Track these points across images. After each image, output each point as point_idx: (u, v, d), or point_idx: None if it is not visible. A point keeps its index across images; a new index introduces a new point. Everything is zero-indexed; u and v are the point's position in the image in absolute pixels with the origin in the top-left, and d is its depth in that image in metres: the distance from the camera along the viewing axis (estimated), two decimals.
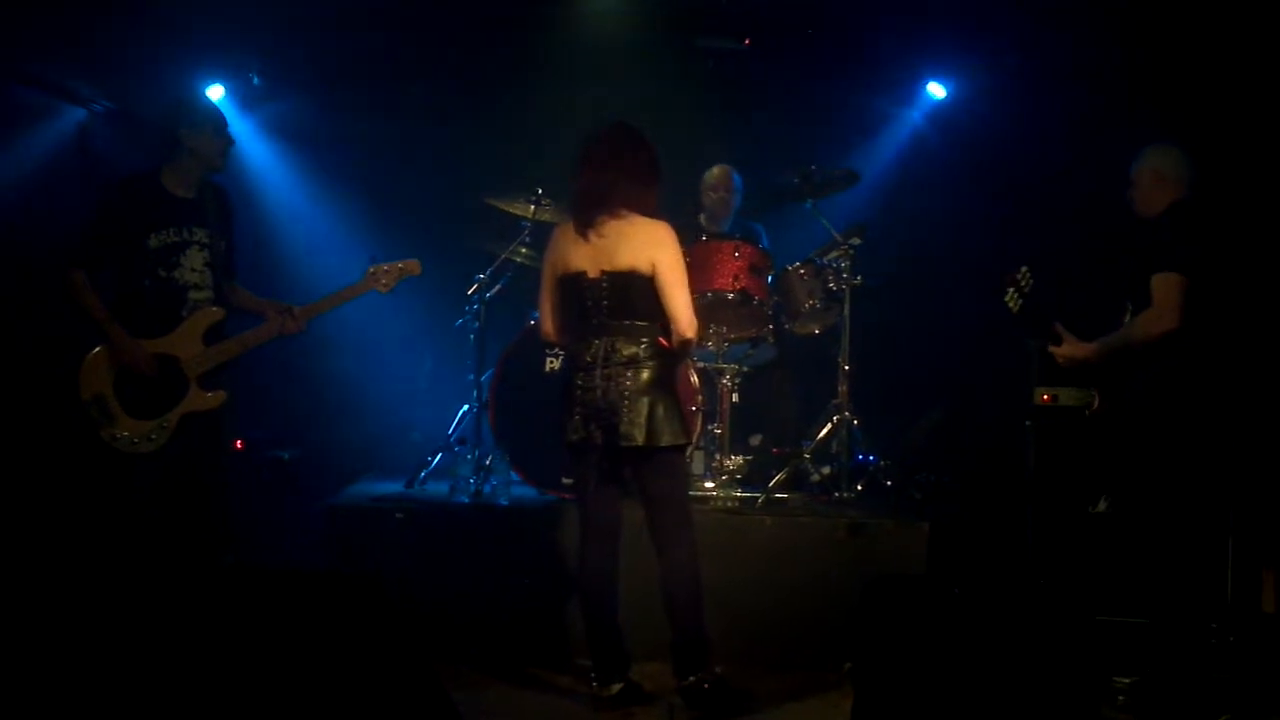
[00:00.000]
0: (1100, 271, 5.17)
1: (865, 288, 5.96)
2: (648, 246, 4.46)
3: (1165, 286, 4.51)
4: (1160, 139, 4.88)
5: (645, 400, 4.42)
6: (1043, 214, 6.77)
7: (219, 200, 4.92)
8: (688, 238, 6.13)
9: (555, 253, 4.58)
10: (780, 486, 5.80)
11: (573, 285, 4.51)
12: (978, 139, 7.10)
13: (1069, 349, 4.80)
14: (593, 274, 4.46)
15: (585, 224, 4.48)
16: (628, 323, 4.48)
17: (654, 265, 4.46)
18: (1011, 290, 4.81)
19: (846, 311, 5.93)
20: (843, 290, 5.92)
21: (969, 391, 6.78)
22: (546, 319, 4.66)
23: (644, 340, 4.48)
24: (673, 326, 4.52)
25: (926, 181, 7.26)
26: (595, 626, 4.58)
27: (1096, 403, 4.87)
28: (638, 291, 4.47)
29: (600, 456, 4.51)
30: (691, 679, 4.49)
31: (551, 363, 5.69)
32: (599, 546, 4.59)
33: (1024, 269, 4.81)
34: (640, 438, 4.40)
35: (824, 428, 6.03)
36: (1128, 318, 4.75)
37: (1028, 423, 5.54)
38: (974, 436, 6.55)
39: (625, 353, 4.45)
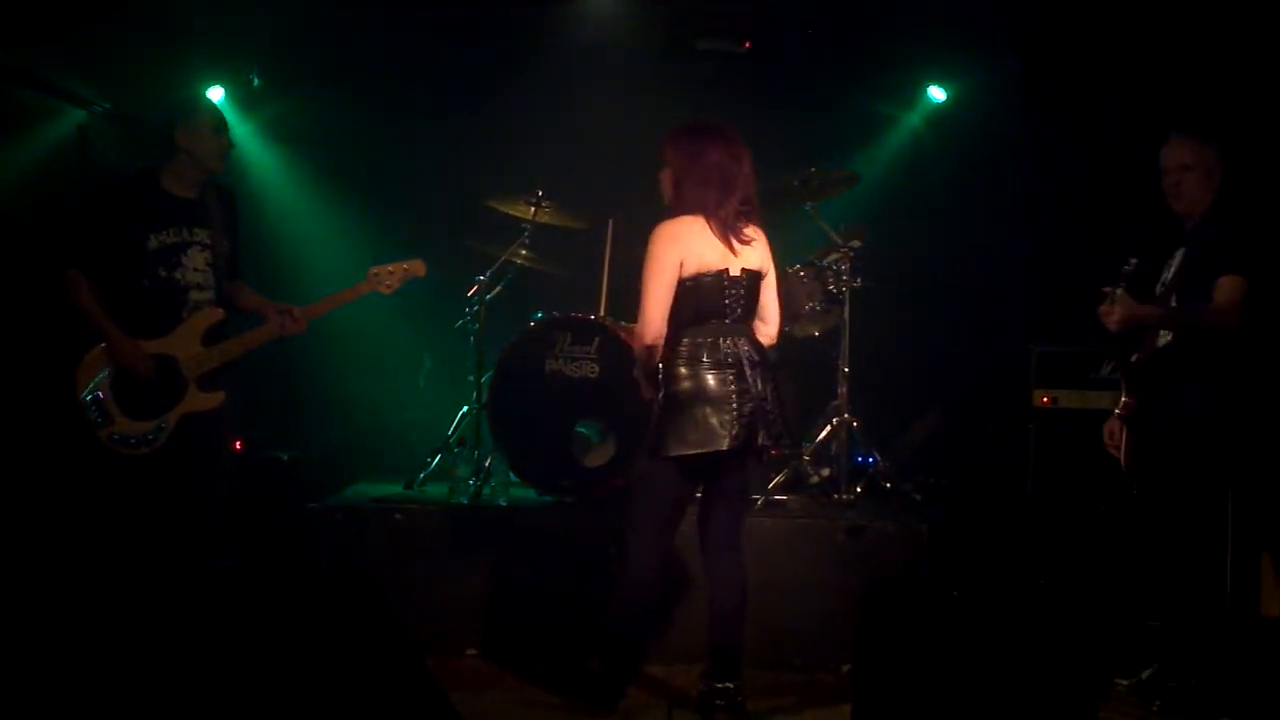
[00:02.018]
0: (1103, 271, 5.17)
1: (865, 290, 5.97)
2: (766, 249, 4.50)
3: (1231, 288, 4.46)
4: (1188, 129, 4.75)
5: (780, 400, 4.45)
6: (1042, 217, 6.77)
7: (223, 200, 4.90)
8: None
9: (686, 248, 4.32)
10: (779, 488, 5.80)
11: (709, 283, 4.34)
12: (978, 142, 7.09)
13: (1126, 308, 4.57)
14: (735, 272, 4.37)
15: (731, 221, 4.38)
16: (751, 323, 4.48)
17: (770, 268, 4.52)
18: (1123, 284, 4.62)
19: (846, 314, 5.94)
20: (843, 293, 5.92)
21: (968, 394, 6.78)
22: (661, 320, 4.31)
23: (760, 341, 4.49)
24: (767, 330, 4.55)
25: (926, 184, 7.26)
26: (629, 630, 4.54)
27: (1125, 405, 4.82)
28: (760, 293, 4.49)
29: (742, 459, 4.39)
30: (722, 685, 4.43)
31: (551, 364, 5.68)
32: (666, 552, 4.54)
33: (1133, 260, 4.64)
34: (787, 437, 4.45)
35: (823, 430, 6.04)
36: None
37: (1030, 425, 5.54)
38: (973, 438, 6.55)
39: (761, 352, 4.44)
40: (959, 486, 6.22)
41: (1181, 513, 4.61)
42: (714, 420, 4.26)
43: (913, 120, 7.50)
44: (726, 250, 4.36)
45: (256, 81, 7.07)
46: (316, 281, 5.95)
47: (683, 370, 4.32)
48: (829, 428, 6.00)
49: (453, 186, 6.94)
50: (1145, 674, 4.76)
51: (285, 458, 6.56)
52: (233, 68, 6.99)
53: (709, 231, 4.35)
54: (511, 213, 6.20)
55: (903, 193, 7.24)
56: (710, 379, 4.30)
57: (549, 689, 4.77)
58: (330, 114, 7.19)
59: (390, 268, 5.03)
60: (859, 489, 5.88)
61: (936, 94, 7.32)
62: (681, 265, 4.30)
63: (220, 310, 4.80)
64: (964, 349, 6.85)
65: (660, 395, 4.35)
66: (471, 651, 5.18)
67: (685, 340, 4.34)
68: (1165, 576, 4.69)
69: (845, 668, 4.88)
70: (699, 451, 4.26)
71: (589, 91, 6.95)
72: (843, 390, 5.96)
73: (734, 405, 4.28)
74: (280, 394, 6.68)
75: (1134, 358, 4.80)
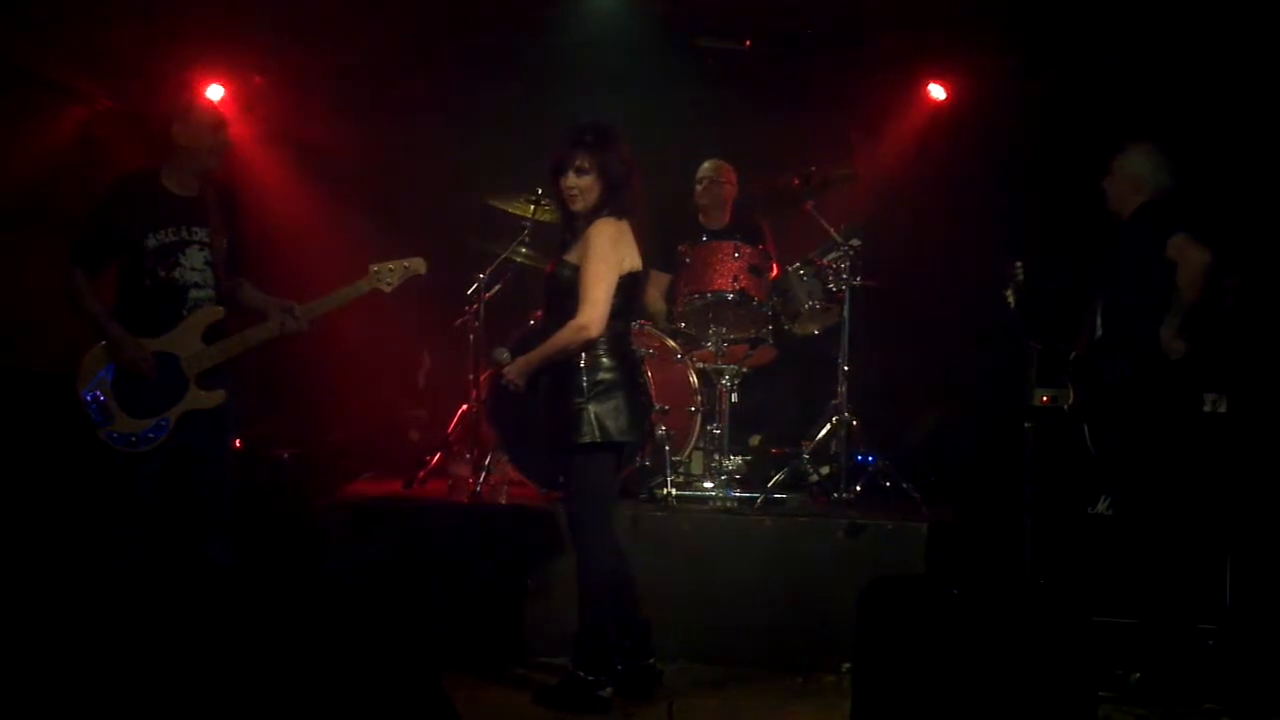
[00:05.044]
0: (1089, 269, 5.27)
1: (865, 288, 5.97)
2: None
3: (1183, 245, 4.69)
4: (1144, 136, 5.02)
5: None
6: (1042, 215, 6.77)
7: (223, 197, 4.89)
8: (689, 238, 6.17)
9: (629, 248, 4.53)
10: (779, 487, 5.81)
11: (631, 282, 4.55)
12: (978, 140, 7.09)
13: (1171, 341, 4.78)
14: (640, 272, 4.61)
15: (637, 222, 4.57)
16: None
17: None
18: (1010, 285, 5.10)
19: (846, 312, 5.94)
20: (842, 291, 5.92)
21: (967, 392, 6.78)
22: (607, 316, 4.46)
23: None
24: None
25: (926, 182, 7.25)
26: (607, 624, 4.57)
27: (1072, 398, 5.01)
28: None
29: (636, 450, 4.72)
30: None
31: None
32: (617, 544, 4.66)
33: (1018, 264, 5.11)
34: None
35: (823, 428, 6.04)
36: (1098, 313, 4.87)
37: (1027, 424, 5.55)
38: (972, 437, 6.55)
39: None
40: (958, 485, 6.22)
41: (1148, 507, 4.79)
42: (632, 412, 4.49)
43: (913, 118, 7.49)
44: (636, 250, 4.56)
45: (258, 79, 7.07)
46: (317, 280, 5.93)
47: (608, 362, 4.49)
48: (829, 426, 6.00)
49: (452, 184, 6.94)
50: (1142, 674, 4.79)
51: (286, 456, 6.56)
52: (235, 66, 6.99)
53: (631, 232, 4.55)
54: (511, 210, 6.20)
55: (903, 190, 7.23)
56: (628, 372, 4.53)
57: (549, 688, 4.76)
58: (331, 112, 7.19)
59: (390, 265, 5.02)
60: (858, 487, 5.89)
61: (936, 91, 7.32)
62: (620, 267, 4.49)
63: (220, 308, 4.80)
64: (964, 347, 6.84)
65: (583, 383, 4.44)
66: (473, 650, 5.18)
67: (609, 334, 4.49)
68: (1156, 575, 4.75)
69: (845, 666, 4.88)
70: (626, 440, 4.48)
71: (589, 89, 6.94)
72: (842, 389, 5.97)
73: (639, 400, 4.57)
74: (281, 392, 6.68)
75: (1074, 353, 5.08)
